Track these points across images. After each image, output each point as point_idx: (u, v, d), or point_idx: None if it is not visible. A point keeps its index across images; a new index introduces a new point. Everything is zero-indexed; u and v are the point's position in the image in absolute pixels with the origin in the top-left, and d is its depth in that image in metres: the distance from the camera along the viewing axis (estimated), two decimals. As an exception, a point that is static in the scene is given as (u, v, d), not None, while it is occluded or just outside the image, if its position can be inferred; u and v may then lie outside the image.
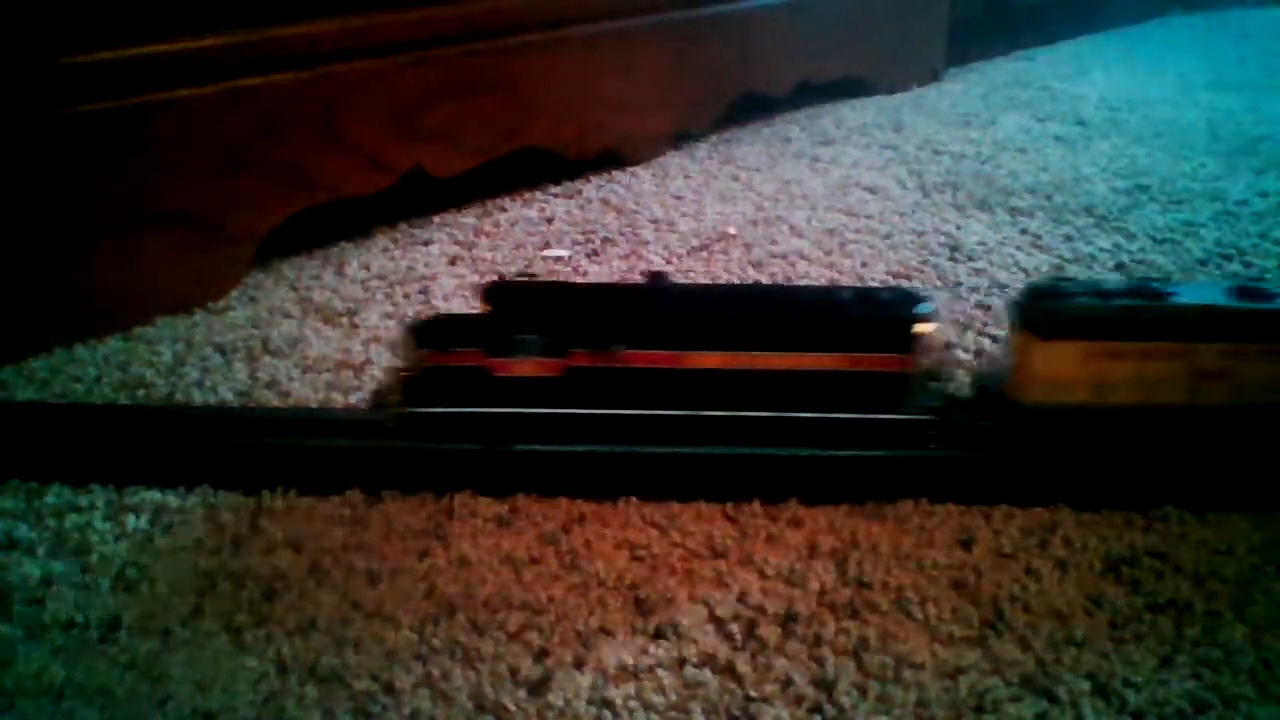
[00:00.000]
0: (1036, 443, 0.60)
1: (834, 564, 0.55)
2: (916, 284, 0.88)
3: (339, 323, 0.83)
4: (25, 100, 0.75)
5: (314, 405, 0.71)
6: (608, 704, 0.47)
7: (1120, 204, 1.07)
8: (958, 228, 1.01)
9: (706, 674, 0.48)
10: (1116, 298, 0.59)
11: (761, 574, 0.55)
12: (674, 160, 1.24)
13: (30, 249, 0.77)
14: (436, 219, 1.06)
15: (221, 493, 0.61)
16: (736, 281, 0.90)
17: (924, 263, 0.93)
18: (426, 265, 0.94)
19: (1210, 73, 1.65)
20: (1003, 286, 0.88)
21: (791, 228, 1.02)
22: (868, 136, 1.33)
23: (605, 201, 1.10)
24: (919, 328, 0.59)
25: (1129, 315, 0.58)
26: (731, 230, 1.02)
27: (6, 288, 0.77)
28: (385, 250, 0.98)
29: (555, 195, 1.12)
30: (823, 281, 0.90)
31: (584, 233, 1.01)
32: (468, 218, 1.06)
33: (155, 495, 0.61)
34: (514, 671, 0.49)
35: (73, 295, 0.79)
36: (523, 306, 0.61)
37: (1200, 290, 0.70)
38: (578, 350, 0.59)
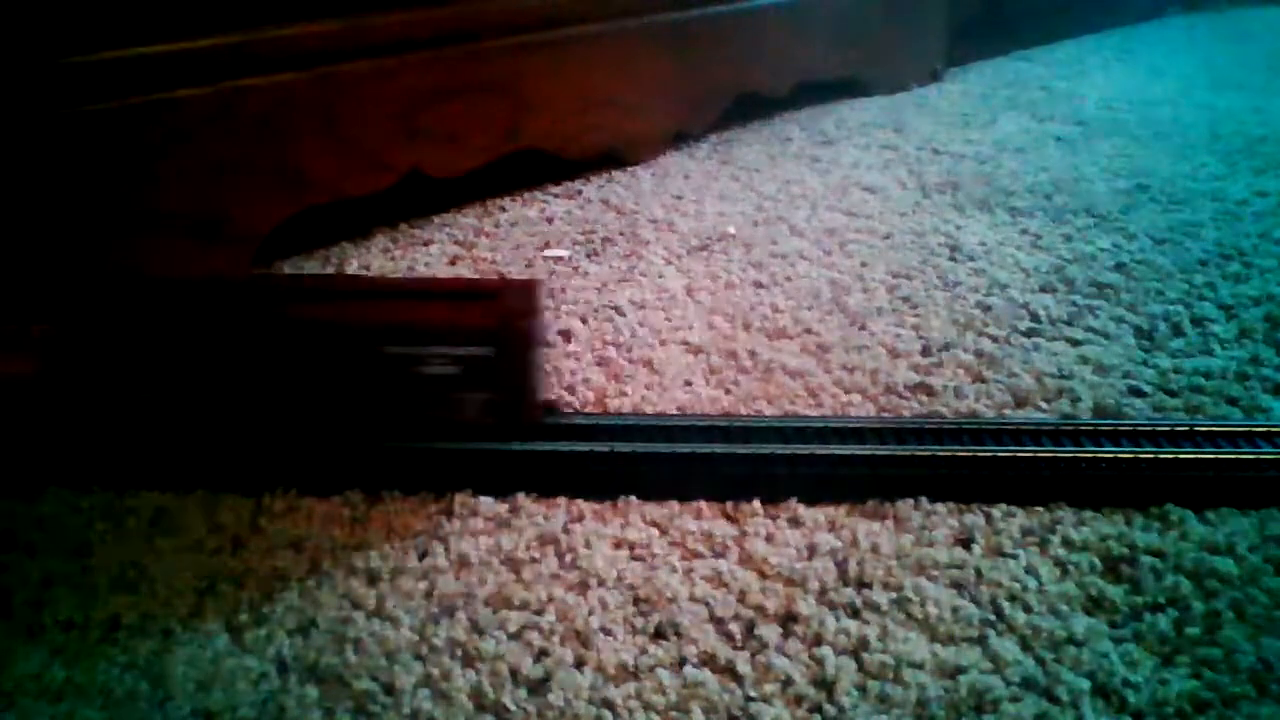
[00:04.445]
0: None
1: (834, 564, 0.55)
2: (915, 284, 0.88)
3: (339, 323, 0.83)
4: (24, 100, 0.75)
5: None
6: (608, 704, 0.47)
7: (1120, 204, 1.07)
8: (958, 228, 1.01)
9: (706, 674, 0.48)
10: None
11: (761, 574, 0.55)
12: (674, 160, 1.24)
13: (28, 250, 0.77)
14: (436, 219, 1.05)
15: (222, 493, 0.61)
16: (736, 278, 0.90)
17: (924, 263, 0.93)
18: (426, 265, 0.94)
19: (1210, 73, 1.65)
20: (1003, 286, 0.88)
21: (791, 228, 1.02)
22: (868, 136, 1.32)
23: (605, 201, 1.10)
24: None
25: None
26: (731, 230, 1.02)
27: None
28: (385, 250, 0.98)
29: (555, 195, 1.12)
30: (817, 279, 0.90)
31: (584, 233, 1.01)
32: (468, 218, 1.06)
33: (155, 495, 0.61)
34: (514, 671, 0.49)
35: (73, 295, 0.79)
36: None
37: None
38: None
